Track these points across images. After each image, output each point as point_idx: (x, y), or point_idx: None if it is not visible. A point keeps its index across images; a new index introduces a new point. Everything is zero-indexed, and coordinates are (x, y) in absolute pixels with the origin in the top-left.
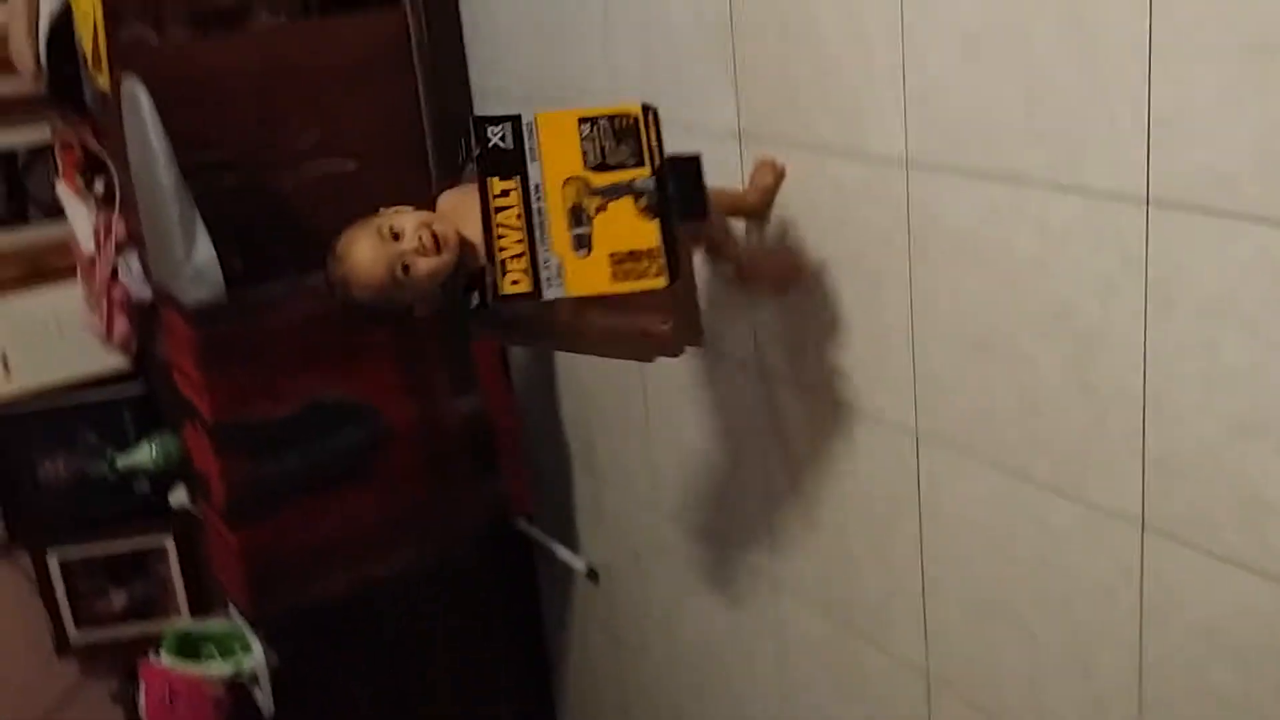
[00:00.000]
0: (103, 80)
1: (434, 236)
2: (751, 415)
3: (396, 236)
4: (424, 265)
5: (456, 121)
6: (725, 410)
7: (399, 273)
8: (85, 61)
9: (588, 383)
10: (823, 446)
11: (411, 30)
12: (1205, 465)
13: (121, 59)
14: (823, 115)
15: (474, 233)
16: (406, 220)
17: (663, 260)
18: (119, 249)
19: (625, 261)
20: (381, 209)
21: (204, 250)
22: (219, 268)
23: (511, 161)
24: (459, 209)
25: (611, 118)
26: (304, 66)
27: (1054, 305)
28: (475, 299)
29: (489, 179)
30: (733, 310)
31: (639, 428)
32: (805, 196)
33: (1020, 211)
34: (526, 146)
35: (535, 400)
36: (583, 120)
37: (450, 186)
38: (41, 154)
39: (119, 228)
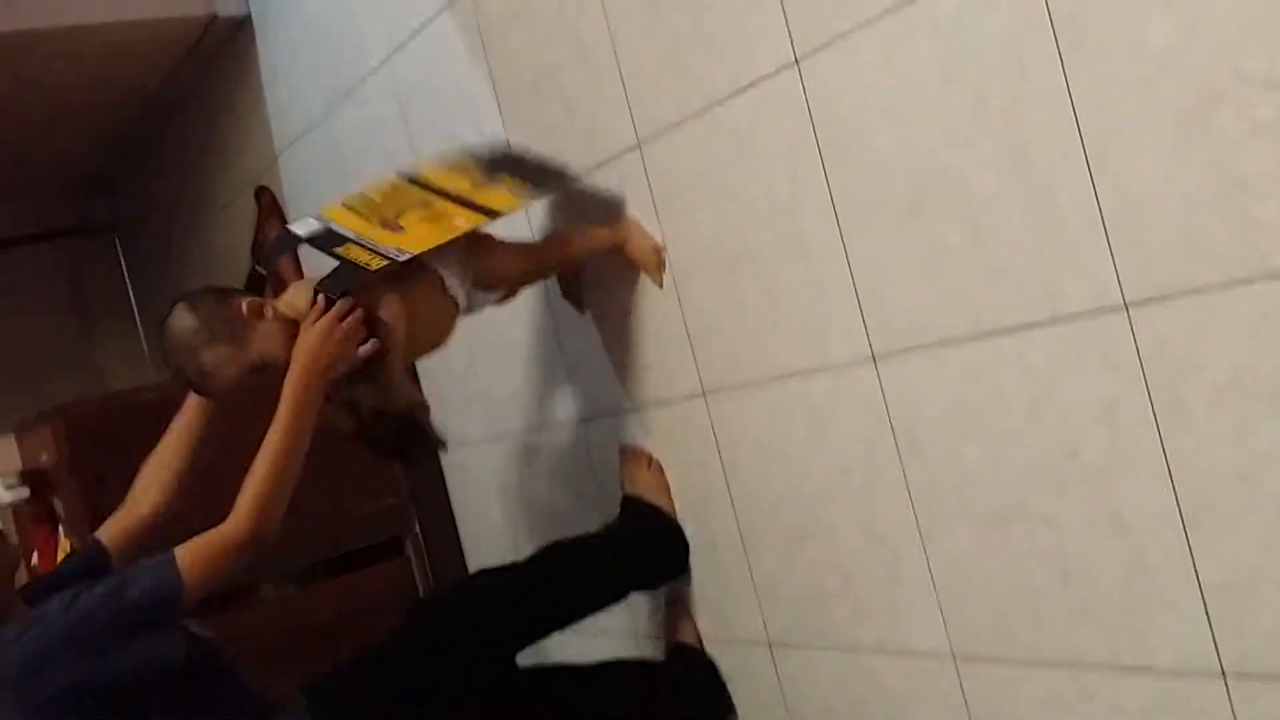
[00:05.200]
0: None
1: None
2: None
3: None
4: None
5: None
6: None
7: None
8: None
9: None
10: None
11: (418, 578)
12: None
13: None
14: (854, 618)
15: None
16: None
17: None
18: None
19: None
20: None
21: None
22: None
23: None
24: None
25: None
26: (314, 630)
27: None
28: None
29: None
30: None
31: None
32: (851, 699)
33: (1089, 697)
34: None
35: None
36: None
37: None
38: None
39: None
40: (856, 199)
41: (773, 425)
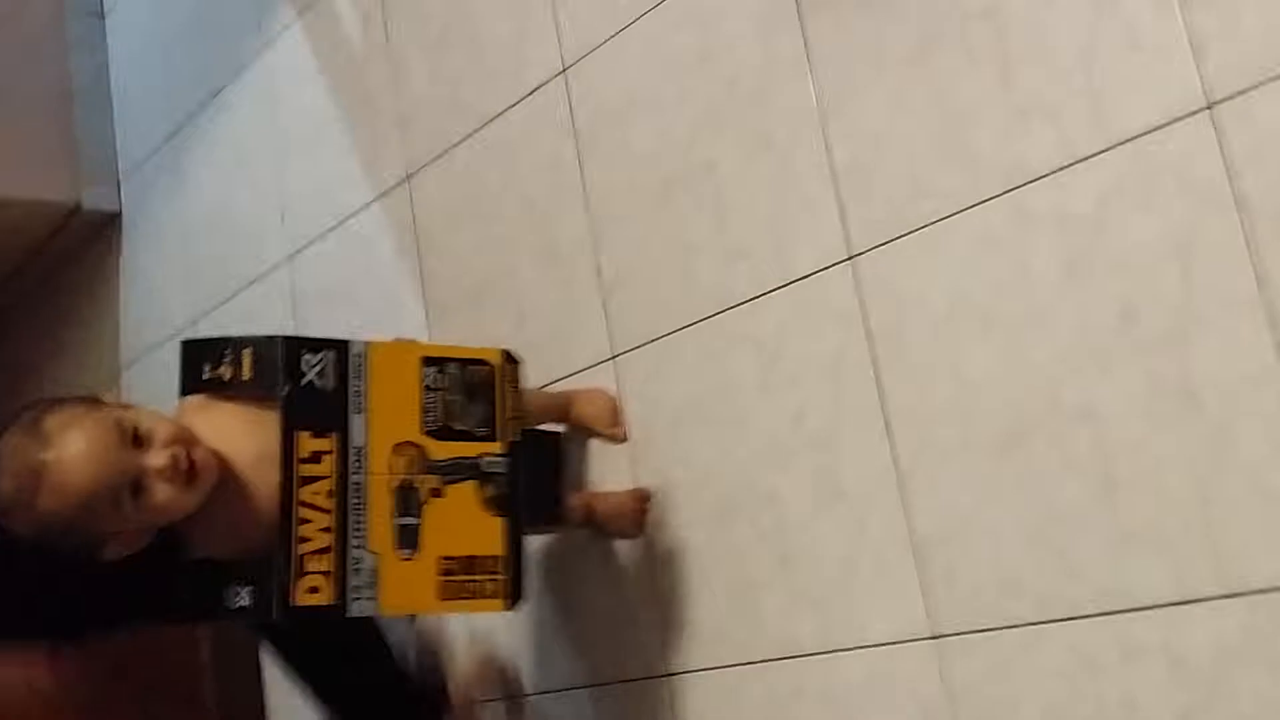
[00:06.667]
0: None
1: (191, 463)
2: None
3: (139, 441)
4: (162, 495)
5: None
6: None
7: (124, 493)
8: None
9: None
10: None
11: None
12: None
13: None
14: None
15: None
16: (158, 425)
17: (506, 576)
18: None
19: (459, 573)
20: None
21: None
22: None
23: (329, 410)
24: (218, 431)
25: (464, 363)
26: None
27: None
28: (244, 597)
29: (296, 434)
30: None
31: None
32: None
33: None
34: (351, 390)
35: None
36: (429, 361)
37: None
38: None
39: None
40: (924, 428)
41: None
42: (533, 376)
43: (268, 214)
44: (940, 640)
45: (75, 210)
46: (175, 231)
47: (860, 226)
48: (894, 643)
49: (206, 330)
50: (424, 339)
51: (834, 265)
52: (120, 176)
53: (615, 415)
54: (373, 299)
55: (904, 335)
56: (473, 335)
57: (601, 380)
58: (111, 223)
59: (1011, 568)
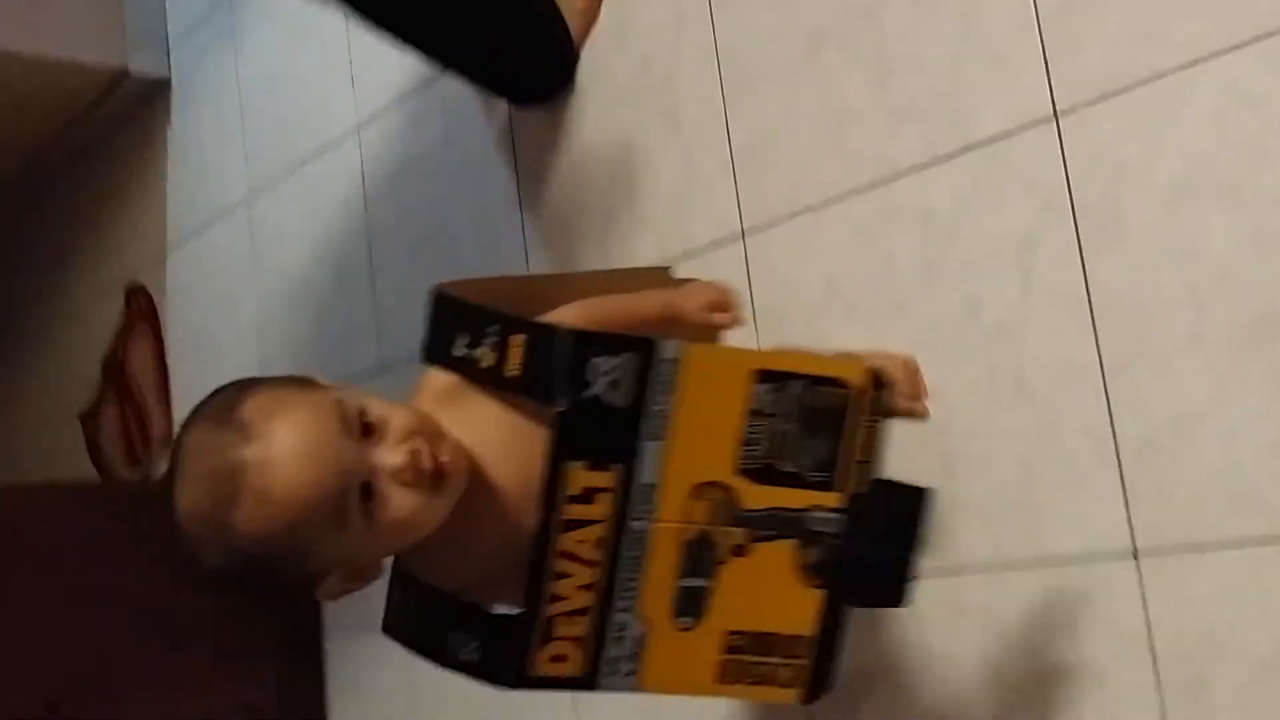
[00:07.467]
0: None
1: (436, 462)
2: None
3: (368, 430)
4: (401, 504)
5: None
6: None
7: (352, 502)
8: None
9: None
10: None
11: None
12: None
13: None
14: None
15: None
16: (392, 411)
17: (808, 662)
18: None
19: (748, 652)
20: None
21: None
22: None
23: (617, 435)
24: (467, 431)
25: (812, 381)
26: None
27: None
28: (472, 651)
29: (567, 464)
30: None
31: None
32: None
33: None
34: (651, 409)
35: None
36: (765, 376)
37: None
38: None
39: None
40: (1141, 318)
41: None
42: (645, 254)
43: (336, 80)
44: (1144, 558)
45: (122, 75)
46: (230, 99)
47: (1069, 80)
48: (1087, 559)
49: (265, 208)
50: (515, 215)
51: (1032, 126)
52: (170, 40)
53: (917, 383)
54: (455, 170)
55: (1120, 207)
56: (573, 209)
57: (729, 259)
58: (160, 90)
59: (1248, 481)
